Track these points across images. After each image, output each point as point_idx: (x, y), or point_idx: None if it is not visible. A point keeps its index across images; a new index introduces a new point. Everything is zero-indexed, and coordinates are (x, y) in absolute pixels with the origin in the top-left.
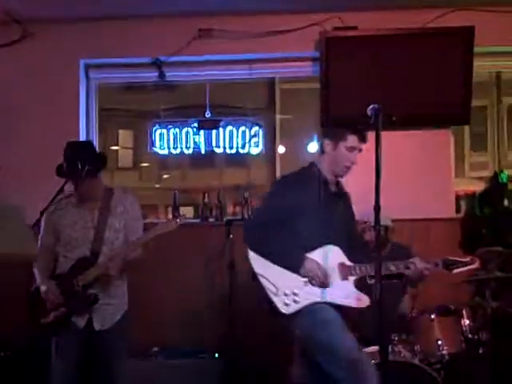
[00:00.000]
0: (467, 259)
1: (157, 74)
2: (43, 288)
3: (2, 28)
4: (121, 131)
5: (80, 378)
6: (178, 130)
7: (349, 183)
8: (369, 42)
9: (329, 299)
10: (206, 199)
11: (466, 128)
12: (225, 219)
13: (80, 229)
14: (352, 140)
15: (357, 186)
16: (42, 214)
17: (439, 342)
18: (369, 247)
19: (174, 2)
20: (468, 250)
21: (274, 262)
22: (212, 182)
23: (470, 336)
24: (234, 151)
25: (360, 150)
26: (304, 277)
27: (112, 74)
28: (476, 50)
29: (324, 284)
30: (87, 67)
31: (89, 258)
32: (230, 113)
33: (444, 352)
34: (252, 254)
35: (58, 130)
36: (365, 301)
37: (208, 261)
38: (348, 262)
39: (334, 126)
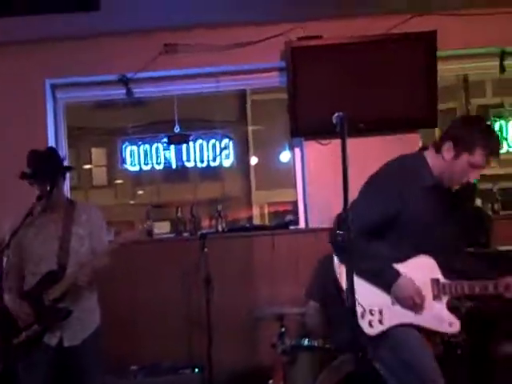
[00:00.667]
0: None
1: (124, 91)
2: (11, 305)
3: None
4: (93, 149)
5: None
6: (148, 146)
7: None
8: (334, 50)
9: (416, 321)
10: (180, 213)
11: (437, 131)
12: (199, 233)
13: (44, 241)
14: (480, 156)
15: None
16: (12, 236)
17: None
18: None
19: (137, 19)
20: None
21: (363, 277)
22: (186, 196)
23: (446, 338)
24: (205, 165)
25: (482, 168)
26: (395, 297)
27: (79, 92)
28: (440, 53)
29: (418, 308)
30: (53, 87)
31: (56, 271)
32: (201, 126)
33: None
34: (338, 265)
35: (25, 150)
36: (456, 325)
37: (184, 275)
38: (442, 279)
39: (303, 135)
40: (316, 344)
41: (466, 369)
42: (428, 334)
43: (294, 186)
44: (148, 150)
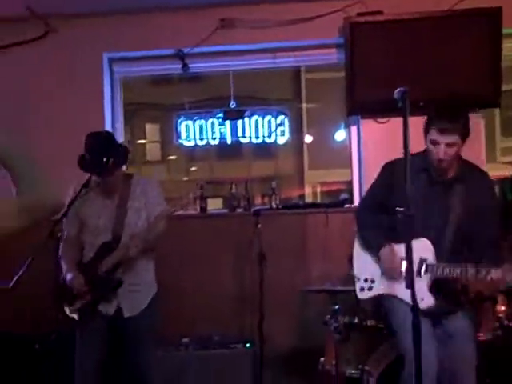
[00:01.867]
0: None
1: (180, 65)
2: (69, 277)
3: (24, 25)
4: (148, 125)
5: (107, 365)
6: (203, 121)
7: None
8: (394, 27)
9: (395, 293)
10: (234, 190)
11: (497, 113)
12: (253, 209)
13: (102, 216)
14: (433, 133)
15: None
16: (69, 206)
17: None
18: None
19: None
20: (502, 235)
21: (363, 247)
22: (239, 174)
23: (505, 322)
24: (260, 141)
25: (450, 145)
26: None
27: (135, 67)
28: (506, 31)
29: (393, 277)
30: (111, 61)
31: (110, 242)
32: (256, 103)
33: (480, 339)
34: (356, 240)
35: (83, 125)
36: (426, 302)
37: (237, 251)
38: (431, 259)
39: (360, 113)
40: (369, 323)
41: None
42: (486, 317)
43: (350, 164)
44: (203, 125)
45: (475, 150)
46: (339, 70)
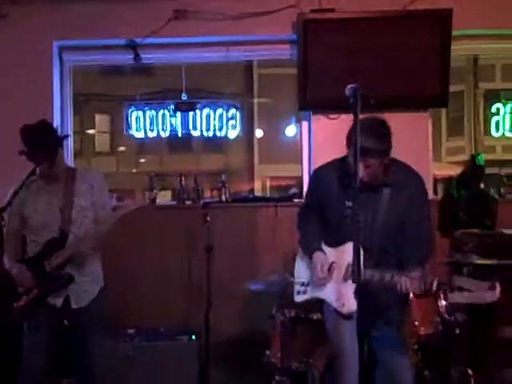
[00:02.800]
0: (483, 284)
1: (132, 56)
2: (14, 271)
3: None
4: (97, 116)
5: (54, 357)
6: (154, 112)
7: None
8: (347, 25)
9: (323, 297)
10: (183, 182)
11: (443, 114)
12: (202, 202)
13: (46, 212)
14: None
15: None
16: (9, 202)
17: (416, 323)
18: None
19: None
20: (445, 232)
21: (301, 248)
22: (188, 167)
23: (446, 317)
24: (211, 134)
25: (368, 167)
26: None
27: (86, 55)
28: (454, 33)
29: (319, 281)
30: (61, 49)
31: (57, 238)
32: (207, 97)
33: (421, 333)
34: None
35: (31, 114)
36: (347, 308)
37: (186, 243)
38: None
39: (312, 108)
40: (315, 317)
41: (463, 349)
42: (426, 312)
43: (300, 159)
44: (154, 116)
45: (422, 149)
46: (291, 65)
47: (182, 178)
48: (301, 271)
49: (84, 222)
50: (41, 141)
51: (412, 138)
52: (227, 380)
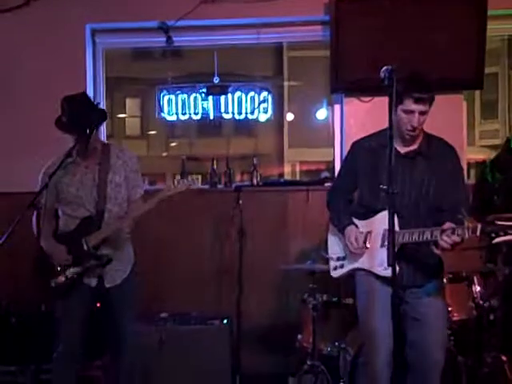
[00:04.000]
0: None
1: (164, 39)
2: (49, 248)
3: None
4: (128, 99)
5: (88, 335)
6: (186, 95)
7: None
8: (380, 5)
9: (364, 266)
10: (215, 166)
11: (477, 97)
12: (234, 185)
13: (81, 187)
14: (408, 103)
15: None
16: (50, 178)
17: (449, 309)
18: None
19: None
20: (479, 216)
21: (333, 225)
22: (219, 151)
23: (480, 302)
24: (242, 117)
25: (423, 113)
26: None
27: (119, 38)
28: (489, 13)
29: (356, 250)
30: (93, 32)
31: (93, 217)
32: (238, 80)
33: (454, 318)
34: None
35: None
36: (389, 271)
37: (218, 226)
38: (396, 228)
39: (344, 91)
40: (347, 301)
41: (497, 335)
42: (460, 298)
43: (332, 143)
44: (186, 99)
45: (456, 132)
46: (322, 48)
47: (214, 161)
48: (334, 247)
49: (118, 198)
50: (84, 110)
51: (446, 120)
52: (259, 364)
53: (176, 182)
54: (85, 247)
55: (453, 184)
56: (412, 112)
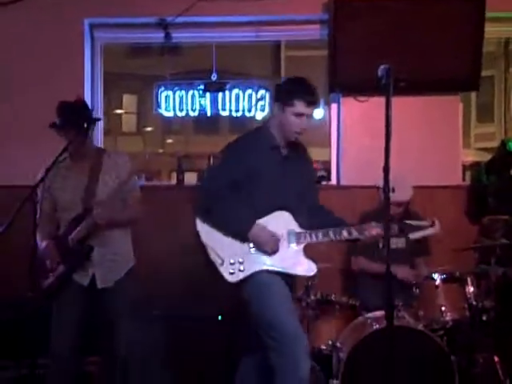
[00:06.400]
0: (425, 222)
1: (163, 35)
2: (41, 248)
3: None
4: (125, 95)
5: (81, 337)
6: (183, 92)
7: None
8: (378, 5)
9: (275, 267)
10: (212, 163)
11: (473, 99)
12: None
13: (73, 191)
14: (300, 106)
15: (361, 150)
16: (42, 179)
17: (443, 309)
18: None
19: None
20: (474, 218)
21: (222, 229)
22: (215, 148)
23: (474, 303)
24: (239, 114)
25: (309, 116)
26: (252, 242)
27: (117, 33)
28: (488, 15)
29: (272, 250)
30: (92, 27)
31: (81, 214)
32: (236, 77)
33: (447, 318)
34: (199, 224)
35: (62, 92)
36: (311, 268)
37: None
38: (297, 229)
39: (342, 90)
40: (341, 300)
41: (490, 335)
42: (453, 298)
43: (329, 142)
44: (184, 96)
45: (452, 134)
46: (319, 47)
47: (211, 158)
48: (223, 251)
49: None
50: (75, 117)
51: (442, 121)
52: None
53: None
54: (70, 244)
55: (315, 186)
56: (302, 115)
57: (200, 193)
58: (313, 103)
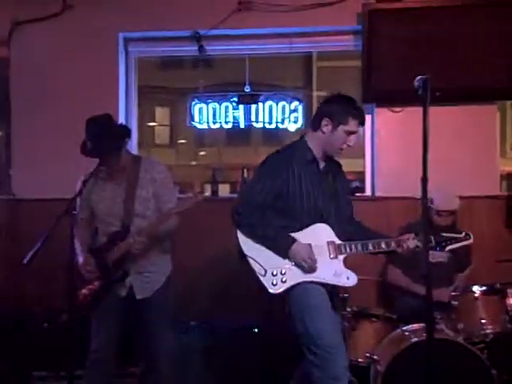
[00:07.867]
0: (461, 235)
1: (196, 47)
2: (80, 260)
3: (41, 1)
4: (158, 108)
5: (120, 346)
6: (217, 104)
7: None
8: (413, 15)
9: (316, 278)
10: (246, 175)
11: (508, 107)
12: None
13: (110, 203)
14: (353, 124)
15: (395, 160)
16: (80, 192)
17: (483, 321)
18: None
19: None
20: None
21: (264, 245)
22: (248, 160)
23: None
24: (273, 126)
25: (355, 133)
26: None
27: (152, 47)
28: None
29: (311, 268)
30: (126, 41)
31: (120, 231)
32: (269, 89)
33: (488, 331)
34: (241, 236)
35: (97, 105)
36: (353, 279)
37: None
38: (337, 241)
39: (376, 101)
40: (378, 312)
41: None
42: (494, 310)
43: (363, 153)
44: (217, 108)
45: (490, 144)
46: (351, 58)
47: (245, 170)
48: (266, 263)
49: (147, 214)
50: (104, 142)
51: (479, 131)
52: (290, 373)
53: (190, 196)
54: (108, 260)
55: (349, 200)
56: (354, 133)
57: (241, 207)
58: (364, 122)
